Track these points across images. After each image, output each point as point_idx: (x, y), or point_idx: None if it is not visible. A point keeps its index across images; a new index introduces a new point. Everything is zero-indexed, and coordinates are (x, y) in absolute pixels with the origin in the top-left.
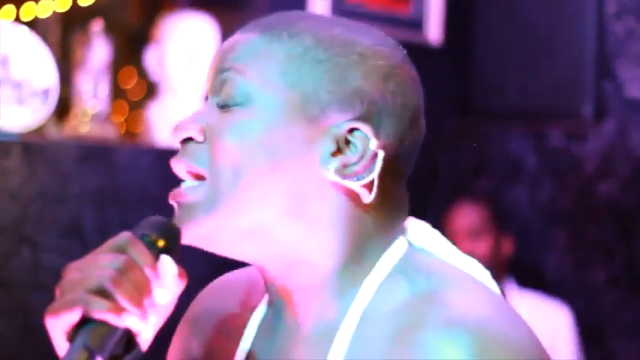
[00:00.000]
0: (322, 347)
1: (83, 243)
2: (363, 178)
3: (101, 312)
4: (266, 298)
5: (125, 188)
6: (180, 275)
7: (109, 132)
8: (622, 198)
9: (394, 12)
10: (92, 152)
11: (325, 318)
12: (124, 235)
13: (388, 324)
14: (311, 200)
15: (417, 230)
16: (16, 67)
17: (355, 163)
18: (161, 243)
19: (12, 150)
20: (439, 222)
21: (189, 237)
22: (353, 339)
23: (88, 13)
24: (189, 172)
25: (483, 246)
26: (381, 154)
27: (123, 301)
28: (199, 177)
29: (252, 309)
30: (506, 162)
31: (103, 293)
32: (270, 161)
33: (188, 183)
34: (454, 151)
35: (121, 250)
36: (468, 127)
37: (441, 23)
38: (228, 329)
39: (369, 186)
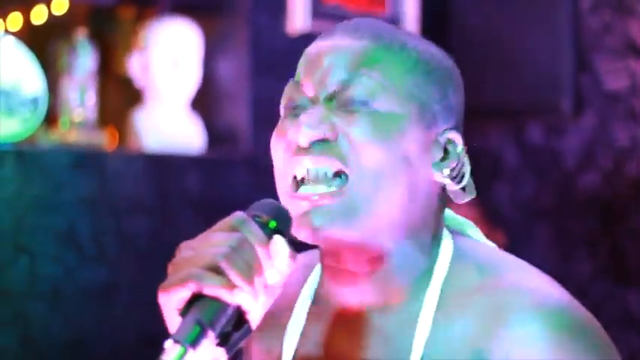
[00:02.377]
0: (404, 331)
1: (79, 250)
2: (460, 180)
3: (214, 288)
4: (314, 284)
5: (117, 195)
6: (291, 256)
7: (98, 139)
8: (604, 190)
9: (371, 12)
10: (84, 160)
11: (401, 305)
12: (238, 215)
13: (470, 305)
14: (421, 198)
15: (450, 217)
16: (4, 76)
17: (454, 168)
18: (272, 224)
19: (5, 159)
20: None
21: (313, 239)
22: (435, 320)
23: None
24: (332, 171)
25: None
26: (467, 159)
27: (236, 278)
28: (337, 175)
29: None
30: (486, 159)
31: (216, 270)
32: (404, 161)
33: (323, 187)
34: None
35: (234, 229)
36: None
37: (417, 22)
38: (283, 306)
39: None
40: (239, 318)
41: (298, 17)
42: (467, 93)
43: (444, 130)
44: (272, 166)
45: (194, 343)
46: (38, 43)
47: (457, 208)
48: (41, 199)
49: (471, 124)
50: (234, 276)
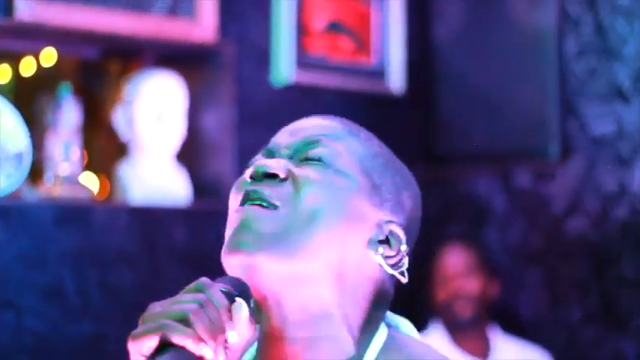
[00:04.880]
0: None
1: (65, 305)
2: (394, 269)
3: (182, 338)
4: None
5: (103, 248)
6: (250, 322)
7: (82, 194)
8: (593, 234)
9: (356, 63)
10: (69, 214)
11: None
12: (202, 279)
13: None
14: (351, 269)
15: (393, 316)
16: None
17: (392, 257)
18: (235, 294)
19: None
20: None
21: (241, 266)
22: None
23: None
24: (266, 200)
25: (473, 286)
26: (406, 258)
27: (202, 332)
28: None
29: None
30: (474, 205)
31: (185, 322)
32: (341, 218)
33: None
34: (422, 197)
35: (199, 290)
36: (434, 173)
37: (403, 72)
38: None
39: (392, 279)
40: None
41: (283, 68)
42: (455, 139)
43: (390, 220)
44: None
45: None
46: (25, 96)
47: (451, 256)
48: (26, 254)
49: (460, 170)
50: (200, 329)
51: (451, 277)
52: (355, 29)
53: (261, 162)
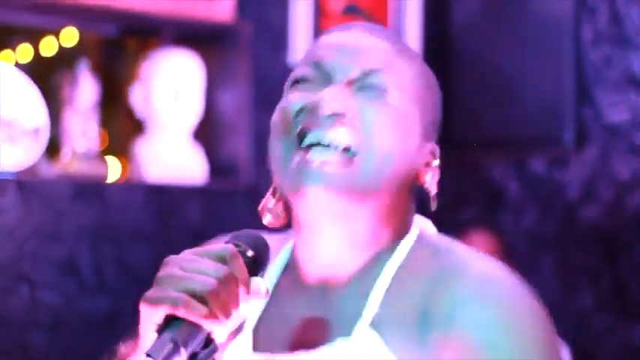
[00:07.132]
0: (359, 299)
1: (79, 280)
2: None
3: (197, 316)
4: (283, 259)
5: (118, 224)
6: (266, 294)
7: (100, 169)
8: (606, 222)
9: None
10: (85, 189)
11: (361, 274)
12: (227, 247)
13: (422, 276)
14: (405, 189)
15: (421, 220)
16: (6, 106)
17: (433, 176)
18: (250, 254)
19: (7, 188)
20: None
21: (306, 205)
22: (389, 288)
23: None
24: (339, 144)
25: None
26: (438, 171)
27: (218, 312)
28: (345, 150)
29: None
30: (488, 190)
31: (202, 299)
32: (404, 155)
33: (333, 152)
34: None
35: (222, 260)
36: (448, 158)
37: (420, 56)
38: None
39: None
40: (207, 338)
41: (299, 48)
42: (470, 125)
43: (433, 141)
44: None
45: (167, 359)
46: (44, 72)
47: (470, 242)
48: (42, 229)
49: (475, 155)
50: (217, 309)
51: None
52: (372, 12)
53: (329, 95)
